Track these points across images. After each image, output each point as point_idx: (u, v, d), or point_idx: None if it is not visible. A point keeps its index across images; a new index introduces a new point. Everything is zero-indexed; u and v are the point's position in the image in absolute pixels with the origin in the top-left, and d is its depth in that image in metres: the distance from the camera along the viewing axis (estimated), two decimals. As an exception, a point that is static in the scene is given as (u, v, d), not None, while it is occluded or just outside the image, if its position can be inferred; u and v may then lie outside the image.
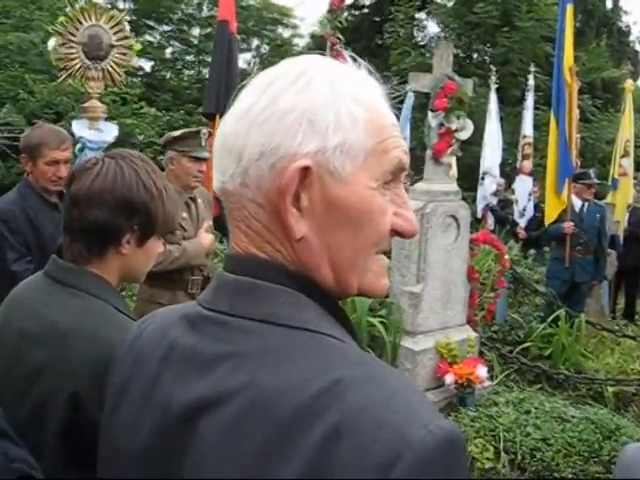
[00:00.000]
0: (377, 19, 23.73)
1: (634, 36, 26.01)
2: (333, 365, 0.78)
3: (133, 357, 0.98)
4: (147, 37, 21.61)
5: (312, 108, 0.84)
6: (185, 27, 23.81)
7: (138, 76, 19.82)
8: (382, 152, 0.88)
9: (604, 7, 24.51)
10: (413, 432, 0.71)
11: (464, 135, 5.43)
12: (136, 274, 1.73)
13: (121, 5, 19.76)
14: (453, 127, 5.29)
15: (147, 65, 21.58)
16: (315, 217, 0.85)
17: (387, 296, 5.49)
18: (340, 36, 9.11)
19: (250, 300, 0.85)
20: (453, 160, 10.45)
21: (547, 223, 7.50)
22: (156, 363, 0.91)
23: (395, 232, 0.91)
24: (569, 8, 7.40)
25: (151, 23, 21.90)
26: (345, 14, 21.89)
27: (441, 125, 5.30)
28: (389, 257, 5.68)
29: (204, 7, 24.02)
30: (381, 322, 5.31)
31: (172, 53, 23.89)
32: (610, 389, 6.18)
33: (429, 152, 5.36)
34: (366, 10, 25.74)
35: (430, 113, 5.33)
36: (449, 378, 5.13)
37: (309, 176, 0.83)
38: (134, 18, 20.01)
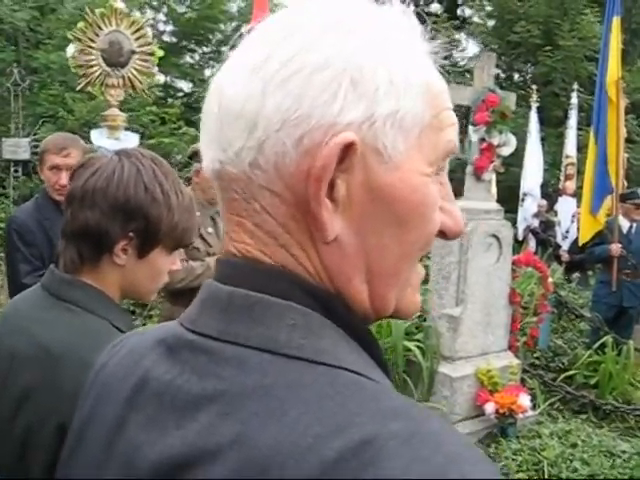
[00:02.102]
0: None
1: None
2: (360, 416, 0.55)
3: (96, 392, 0.76)
4: (187, 59, 21.79)
5: (356, 64, 0.62)
6: (223, 48, 24.05)
7: (177, 97, 20.00)
8: (438, 129, 0.67)
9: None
10: None
11: (507, 151, 5.21)
12: (139, 290, 1.52)
13: (161, 27, 19.96)
14: (495, 142, 5.08)
15: (186, 86, 21.75)
16: (353, 212, 0.63)
17: (424, 319, 5.26)
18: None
19: (247, 321, 0.62)
20: (493, 181, 10.26)
21: (581, 243, 7.36)
22: (122, 402, 0.69)
23: (440, 232, 0.69)
24: (615, 20, 7.15)
25: (191, 45, 22.08)
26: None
27: (482, 140, 5.09)
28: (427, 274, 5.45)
29: (242, 29, 24.29)
30: (418, 347, 5.08)
31: (211, 74, 24.15)
32: (662, 420, 5.87)
33: (470, 168, 5.15)
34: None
35: (471, 127, 5.12)
36: (489, 407, 4.88)
37: (351, 156, 0.61)
38: (174, 40, 20.21)
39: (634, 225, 7.10)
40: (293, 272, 0.64)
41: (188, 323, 0.68)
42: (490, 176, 5.23)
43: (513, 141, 5.21)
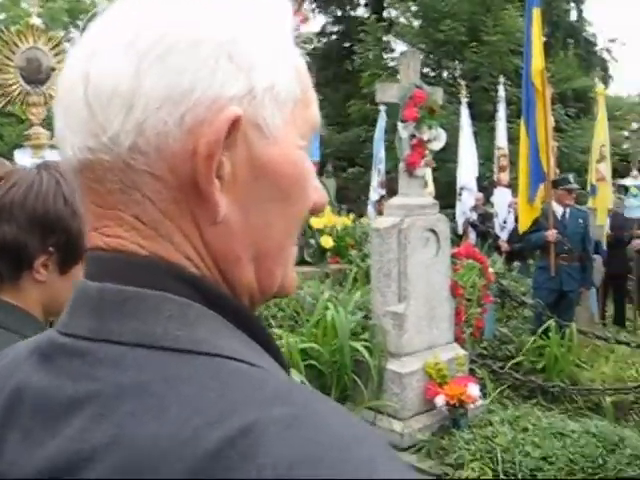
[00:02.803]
0: (346, 44, 23.83)
1: (600, 46, 26.31)
2: (241, 404, 0.52)
3: None
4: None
5: (231, 38, 0.60)
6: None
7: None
8: (307, 104, 0.67)
9: (569, 18, 24.76)
10: None
11: (437, 145, 5.25)
12: (62, 308, 1.46)
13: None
14: (425, 137, 5.11)
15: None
16: (238, 190, 0.61)
17: (370, 318, 5.27)
18: (307, 58, 9.05)
19: (120, 317, 0.58)
20: (429, 178, 10.38)
21: (521, 231, 7.47)
22: None
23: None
24: (535, 11, 7.31)
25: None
26: (314, 41, 22.03)
27: (413, 136, 5.11)
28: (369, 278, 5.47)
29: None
30: (365, 346, 5.06)
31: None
32: (608, 399, 6.01)
33: (402, 165, 5.17)
34: (334, 36, 25.88)
35: (400, 124, 5.14)
36: (440, 400, 4.90)
37: (235, 132, 0.59)
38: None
39: (567, 210, 7.24)
40: (171, 262, 0.61)
41: (61, 326, 0.63)
42: (423, 172, 5.25)
43: (443, 136, 5.25)
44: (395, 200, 5.26)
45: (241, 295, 0.65)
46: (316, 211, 0.71)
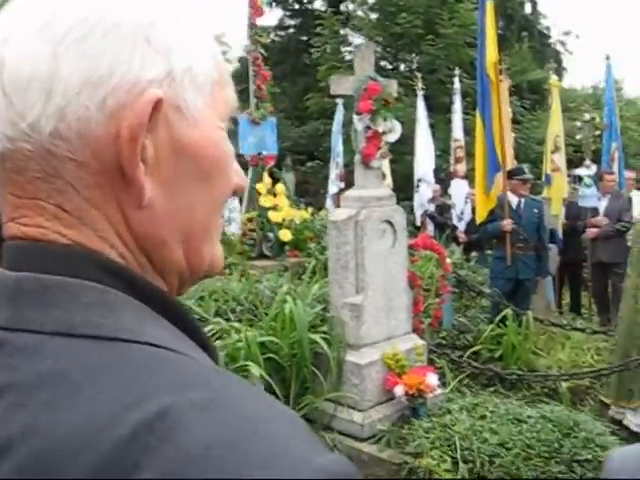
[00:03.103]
0: (303, 38, 23.79)
1: (554, 38, 26.67)
2: (159, 388, 0.53)
3: None
4: None
5: (148, 21, 0.61)
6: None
7: None
8: (224, 86, 0.68)
9: (523, 11, 25.06)
10: None
11: (392, 137, 5.27)
12: None
13: None
14: (380, 129, 5.12)
15: None
16: (162, 173, 0.61)
17: (328, 310, 5.29)
18: (262, 51, 9.00)
19: (40, 305, 0.58)
20: (387, 170, 10.45)
21: (478, 222, 7.56)
22: None
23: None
24: (489, 4, 7.39)
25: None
26: (271, 35, 21.92)
27: (368, 128, 5.12)
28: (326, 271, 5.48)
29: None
30: (323, 338, 5.07)
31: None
32: (564, 384, 6.12)
33: (358, 157, 5.18)
34: (292, 30, 25.81)
35: (355, 116, 5.15)
36: (399, 390, 4.93)
37: (156, 114, 0.59)
38: None
39: (522, 200, 7.34)
40: (93, 250, 0.61)
41: None
42: (379, 163, 5.26)
43: (398, 127, 5.27)
44: (351, 192, 5.27)
45: (170, 277, 0.66)
46: (237, 192, 0.71)
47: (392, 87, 5.38)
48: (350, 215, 4.95)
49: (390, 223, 5.17)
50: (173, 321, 0.63)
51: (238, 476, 0.48)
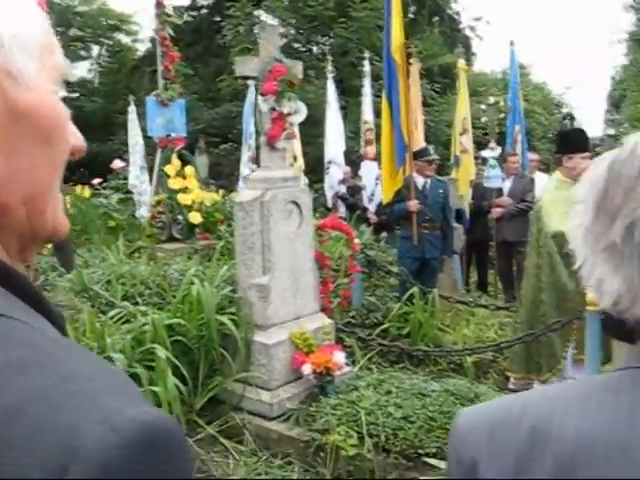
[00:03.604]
0: (216, 19, 23.46)
1: (465, 23, 27.17)
2: None
3: None
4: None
5: None
6: None
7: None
8: (53, 51, 0.69)
9: (434, -4, 25.42)
10: (84, 432, 0.49)
11: (298, 119, 5.29)
12: None
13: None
14: (285, 111, 5.13)
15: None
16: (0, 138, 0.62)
17: (235, 291, 5.29)
18: (170, 31, 8.83)
19: None
20: (299, 152, 10.46)
21: (385, 202, 7.69)
22: None
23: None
24: (395, -12, 7.45)
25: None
26: (184, 15, 21.41)
27: (273, 110, 5.13)
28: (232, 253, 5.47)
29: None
30: (231, 319, 5.07)
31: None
32: (469, 359, 6.30)
33: (263, 138, 5.18)
34: (205, 10, 25.41)
35: (260, 98, 5.15)
36: (307, 368, 4.98)
37: None
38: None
39: (428, 181, 7.49)
40: None
41: None
42: (284, 144, 5.27)
43: (304, 109, 5.29)
44: (257, 173, 5.27)
45: (10, 240, 0.66)
46: (75, 154, 0.73)
47: (297, 69, 5.39)
48: (256, 196, 4.95)
49: (296, 204, 5.19)
50: (14, 290, 0.64)
51: (43, 428, 0.49)
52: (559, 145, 5.80)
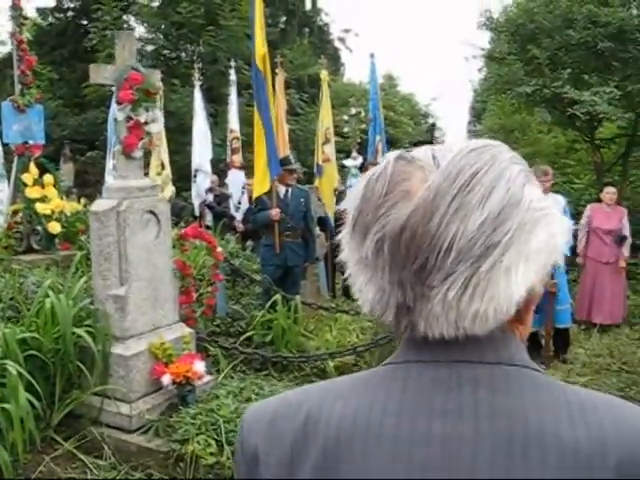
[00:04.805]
0: (83, 22, 22.75)
1: (335, 35, 27.73)
2: None
3: None
4: None
5: None
6: None
7: None
8: None
9: (304, 7, 25.78)
10: None
11: (155, 128, 5.26)
12: None
13: None
14: (142, 120, 5.10)
15: None
16: None
17: (92, 303, 5.19)
18: (28, 34, 8.54)
19: None
20: (167, 160, 10.34)
21: (255, 196, 7.61)
22: None
23: None
24: (258, -1, 7.54)
25: None
26: (49, 18, 20.58)
27: (129, 118, 5.08)
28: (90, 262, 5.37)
29: None
30: (88, 332, 4.96)
31: None
32: (331, 363, 6.45)
33: (119, 147, 5.12)
34: (71, 13, 24.56)
35: (116, 106, 5.09)
36: (166, 379, 4.96)
37: None
38: None
39: (289, 190, 7.62)
40: None
41: None
42: (140, 154, 5.22)
43: (161, 118, 5.29)
44: (113, 183, 5.20)
45: None
46: None
47: (155, 77, 5.36)
48: (112, 206, 4.88)
49: (154, 213, 5.16)
50: None
51: None
52: None
